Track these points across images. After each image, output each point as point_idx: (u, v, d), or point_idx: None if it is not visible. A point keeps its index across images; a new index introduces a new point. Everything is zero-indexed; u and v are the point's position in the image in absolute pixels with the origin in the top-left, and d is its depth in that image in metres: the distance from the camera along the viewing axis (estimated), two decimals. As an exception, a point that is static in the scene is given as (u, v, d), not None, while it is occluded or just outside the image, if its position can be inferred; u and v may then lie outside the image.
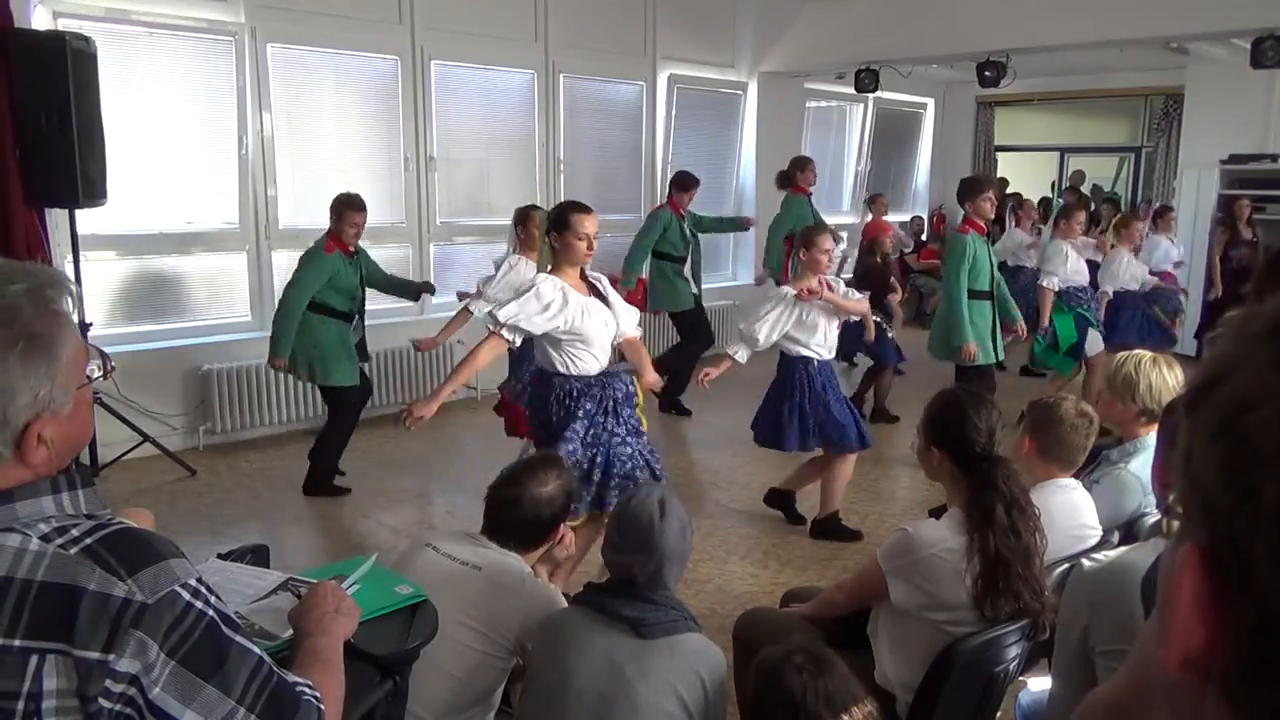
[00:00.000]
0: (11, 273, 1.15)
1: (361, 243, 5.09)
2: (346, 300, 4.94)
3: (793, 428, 4.39)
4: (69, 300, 1.19)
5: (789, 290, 4.39)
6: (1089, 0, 6.62)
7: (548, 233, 3.44)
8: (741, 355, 4.38)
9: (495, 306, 3.42)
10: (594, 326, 3.40)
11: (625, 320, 3.59)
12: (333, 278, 4.86)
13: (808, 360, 4.40)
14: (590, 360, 3.43)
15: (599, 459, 3.44)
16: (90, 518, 1.16)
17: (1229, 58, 7.98)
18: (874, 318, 6.44)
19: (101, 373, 1.28)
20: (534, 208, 5.07)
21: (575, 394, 3.41)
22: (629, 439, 3.50)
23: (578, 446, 3.38)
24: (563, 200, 3.71)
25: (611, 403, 3.47)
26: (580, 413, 3.41)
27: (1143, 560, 1.67)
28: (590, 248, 3.40)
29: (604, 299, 3.51)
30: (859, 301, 4.61)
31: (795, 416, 4.39)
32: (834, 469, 4.56)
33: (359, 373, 5.06)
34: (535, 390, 3.66)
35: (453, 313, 6.99)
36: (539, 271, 3.56)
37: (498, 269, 4.93)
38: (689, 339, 6.87)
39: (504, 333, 3.33)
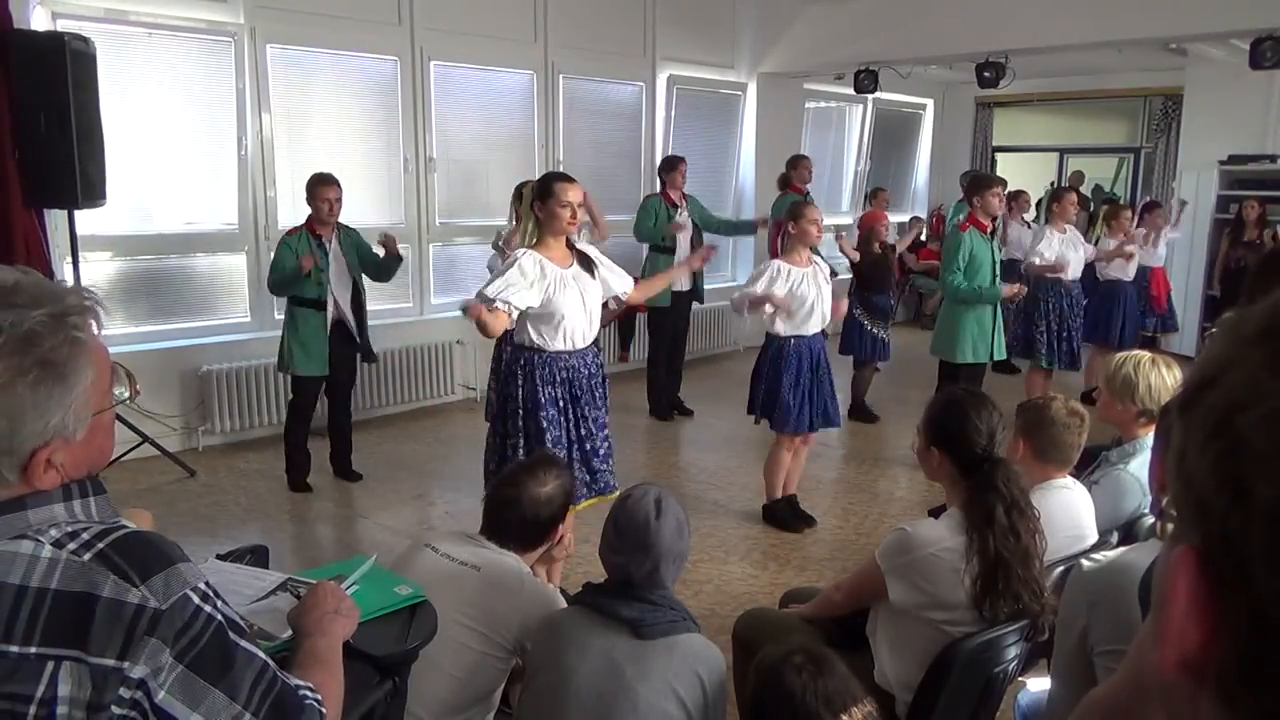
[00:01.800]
0: (39, 296, 1.12)
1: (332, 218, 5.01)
2: (312, 286, 4.90)
3: (791, 406, 4.41)
4: (95, 324, 1.17)
5: (776, 261, 4.44)
6: (1089, 0, 6.62)
7: (532, 204, 3.46)
8: (752, 288, 4.39)
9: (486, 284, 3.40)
10: (568, 302, 3.39)
11: (618, 284, 3.64)
12: (295, 262, 4.85)
13: (800, 338, 4.43)
14: (559, 339, 3.43)
15: (577, 445, 3.48)
16: (99, 522, 1.16)
17: (1228, 58, 7.98)
18: (854, 311, 6.48)
19: (128, 395, 1.27)
20: (529, 182, 5.07)
21: (545, 370, 3.43)
22: (598, 430, 3.56)
23: (560, 434, 3.42)
24: (545, 172, 3.73)
25: (584, 384, 3.50)
26: (544, 396, 3.42)
27: (1142, 560, 1.67)
28: (574, 216, 3.40)
29: (591, 270, 3.52)
30: (840, 301, 4.67)
31: (793, 394, 4.41)
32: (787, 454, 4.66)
33: (324, 364, 4.98)
34: (508, 362, 3.65)
35: (453, 313, 7.02)
36: (523, 243, 3.55)
37: (498, 248, 4.96)
38: (658, 342, 6.69)
39: (499, 306, 3.31)
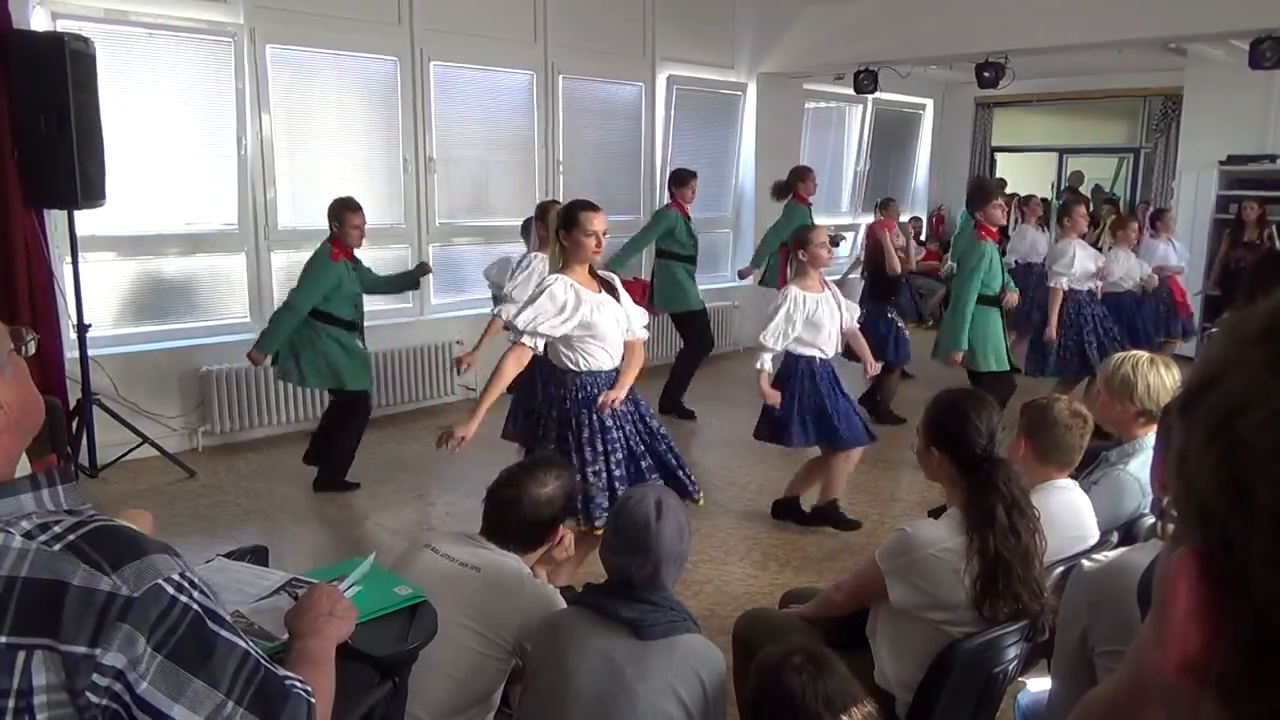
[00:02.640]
0: None
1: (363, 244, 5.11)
2: (349, 308, 4.99)
3: (795, 424, 4.43)
4: None
5: (792, 290, 4.41)
6: (1088, 0, 6.62)
7: (557, 231, 3.46)
8: (768, 364, 4.42)
9: (514, 312, 3.45)
10: (606, 322, 3.41)
11: (636, 320, 3.62)
12: (338, 285, 4.89)
13: (810, 359, 4.45)
14: (604, 356, 3.44)
15: (620, 468, 3.46)
16: (71, 514, 1.16)
17: (1227, 58, 7.98)
18: (888, 314, 6.50)
19: (23, 345, 1.27)
20: (553, 203, 5.09)
21: (592, 391, 3.42)
22: (655, 442, 3.56)
23: (600, 465, 3.40)
24: (571, 200, 3.74)
25: (630, 406, 3.51)
26: (591, 419, 3.42)
27: (1142, 561, 1.67)
28: (599, 245, 3.42)
29: (615, 296, 3.53)
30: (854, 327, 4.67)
31: (796, 412, 4.43)
32: (836, 464, 4.61)
33: (369, 380, 5.16)
34: (545, 388, 3.66)
35: (453, 314, 7.02)
36: (549, 269, 3.58)
37: (515, 265, 4.98)
38: (692, 343, 6.84)
39: (525, 340, 3.35)
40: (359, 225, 4.91)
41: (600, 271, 3.57)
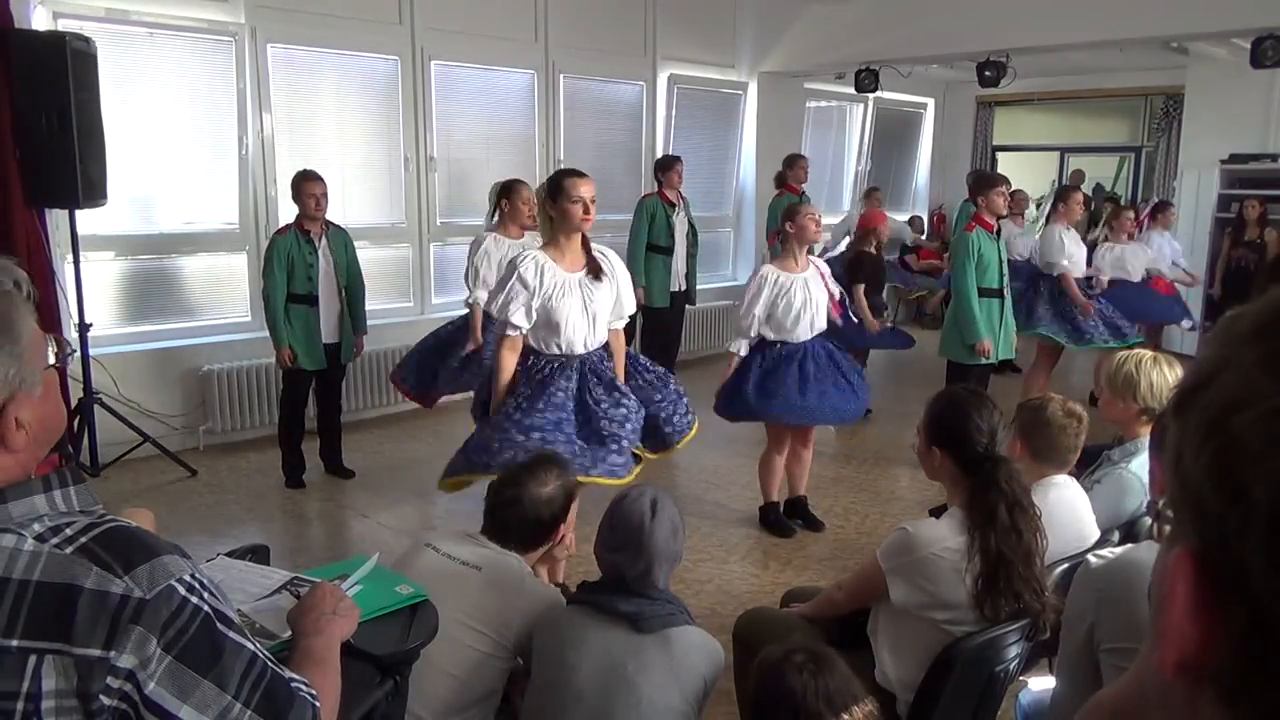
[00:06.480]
0: None
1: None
2: (303, 282, 4.91)
3: (734, 397, 4.35)
4: (20, 285, 1.18)
5: (765, 270, 4.35)
6: (1089, 0, 6.62)
7: (544, 204, 3.39)
8: (741, 348, 4.36)
9: (489, 298, 3.39)
10: (570, 308, 3.33)
11: (625, 304, 3.56)
12: (290, 260, 4.86)
13: (779, 345, 4.32)
14: (558, 344, 3.37)
15: (589, 424, 3.37)
16: (84, 514, 1.16)
17: (1229, 58, 7.98)
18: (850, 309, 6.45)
19: (61, 356, 1.27)
20: (519, 181, 5.08)
21: (548, 372, 3.38)
22: (621, 402, 3.44)
23: (551, 422, 3.31)
24: (555, 170, 3.67)
25: (593, 377, 3.42)
26: (555, 388, 3.34)
27: (1151, 558, 1.67)
28: (588, 212, 3.33)
29: (599, 274, 3.42)
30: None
31: (747, 386, 4.32)
32: (804, 456, 4.65)
33: (320, 359, 5.01)
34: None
35: (454, 313, 7.02)
36: (540, 243, 3.49)
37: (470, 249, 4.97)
38: (651, 341, 6.67)
39: (509, 331, 3.34)
40: (315, 194, 4.87)
41: (598, 248, 3.50)
